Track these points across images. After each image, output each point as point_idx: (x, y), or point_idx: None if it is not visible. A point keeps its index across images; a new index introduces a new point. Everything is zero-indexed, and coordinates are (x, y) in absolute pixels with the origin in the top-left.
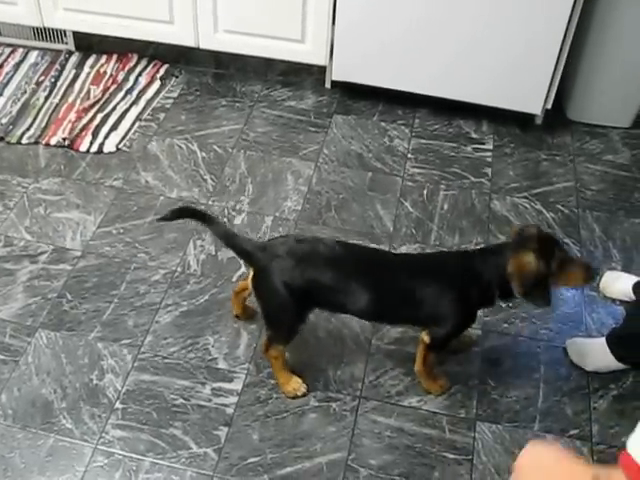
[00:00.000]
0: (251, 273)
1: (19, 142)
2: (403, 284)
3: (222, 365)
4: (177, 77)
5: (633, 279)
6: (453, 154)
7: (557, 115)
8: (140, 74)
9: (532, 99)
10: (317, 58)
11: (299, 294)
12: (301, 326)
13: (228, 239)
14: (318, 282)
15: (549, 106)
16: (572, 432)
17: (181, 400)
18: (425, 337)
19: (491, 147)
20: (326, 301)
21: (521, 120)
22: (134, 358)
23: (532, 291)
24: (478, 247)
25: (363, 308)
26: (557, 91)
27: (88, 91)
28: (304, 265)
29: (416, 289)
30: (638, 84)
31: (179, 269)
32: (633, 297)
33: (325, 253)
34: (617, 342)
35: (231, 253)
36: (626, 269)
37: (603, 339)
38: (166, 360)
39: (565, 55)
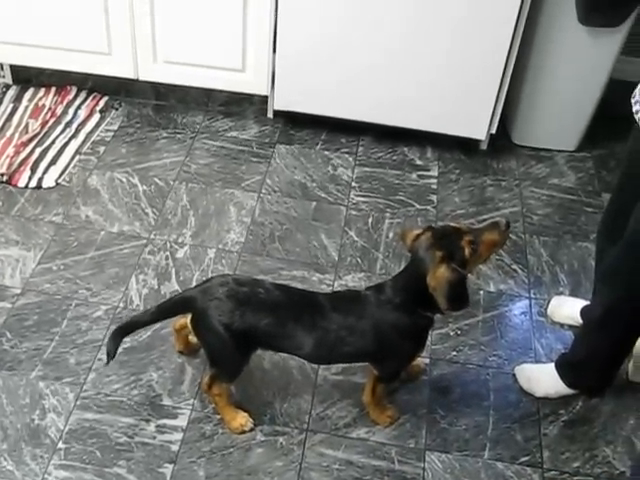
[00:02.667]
0: (190, 314)
1: None
2: (339, 326)
3: (166, 401)
4: (117, 109)
5: (580, 303)
6: (398, 182)
7: (502, 140)
8: (79, 107)
9: (476, 124)
10: (258, 88)
11: (239, 336)
12: (245, 365)
13: (165, 306)
14: (257, 326)
15: (493, 131)
16: (523, 459)
17: (125, 438)
18: (374, 370)
19: (436, 174)
20: (268, 344)
21: (466, 146)
22: (76, 396)
23: (460, 299)
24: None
25: (304, 352)
26: (501, 116)
27: (26, 125)
28: (244, 309)
29: (352, 329)
30: (581, 107)
31: (121, 304)
32: (581, 321)
33: (264, 297)
34: (567, 368)
35: (174, 287)
36: (574, 293)
37: (552, 364)
38: (109, 398)
39: (508, 80)
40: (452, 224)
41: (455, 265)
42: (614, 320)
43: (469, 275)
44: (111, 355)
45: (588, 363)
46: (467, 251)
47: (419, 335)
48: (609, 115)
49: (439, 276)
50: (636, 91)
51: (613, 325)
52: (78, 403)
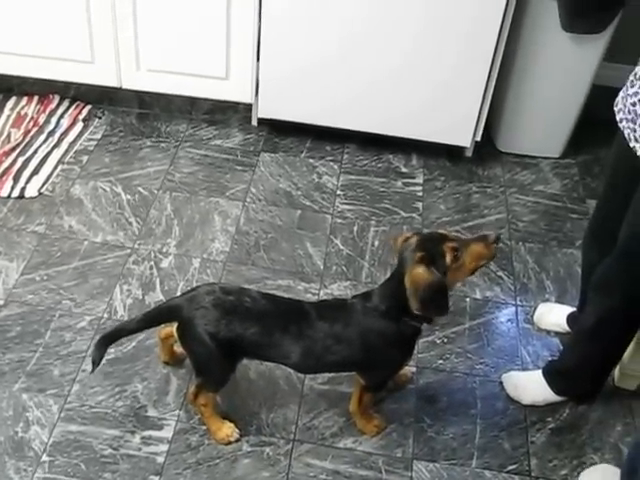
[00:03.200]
0: (175, 323)
1: None
2: (325, 334)
3: (152, 412)
4: (100, 118)
5: (566, 310)
6: (383, 189)
7: (487, 147)
8: (62, 116)
9: (461, 132)
10: (242, 95)
11: (226, 346)
12: (231, 375)
13: (151, 314)
14: (243, 335)
15: (478, 138)
16: (510, 467)
17: (110, 450)
18: (361, 379)
19: (421, 181)
20: (254, 353)
21: (451, 153)
22: (60, 408)
23: (432, 303)
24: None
25: (291, 361)
26: (486, 123)
27: (8, 134)
28: (230, 318)
29: (338, 337)
30: (566, 114)
31: (105, 315)
32: (567, 328)
33: (251, 306)
34: (556, 375)
35: (159, 297)
36: (560, 300)
37: (539, 372)
38: (94, 409)
39: (492, 87)
40: (441, 231)
41: (434, 269)
42: (606, 330)
43: (457, 285)
44: (96, 363)
45: (578, 371)
46: (448, 257)
47: (406, 344)
48: (593, 121)
49: (414, 275)
50: (618, 99)
51: (605, 334)
52: (62, 415)
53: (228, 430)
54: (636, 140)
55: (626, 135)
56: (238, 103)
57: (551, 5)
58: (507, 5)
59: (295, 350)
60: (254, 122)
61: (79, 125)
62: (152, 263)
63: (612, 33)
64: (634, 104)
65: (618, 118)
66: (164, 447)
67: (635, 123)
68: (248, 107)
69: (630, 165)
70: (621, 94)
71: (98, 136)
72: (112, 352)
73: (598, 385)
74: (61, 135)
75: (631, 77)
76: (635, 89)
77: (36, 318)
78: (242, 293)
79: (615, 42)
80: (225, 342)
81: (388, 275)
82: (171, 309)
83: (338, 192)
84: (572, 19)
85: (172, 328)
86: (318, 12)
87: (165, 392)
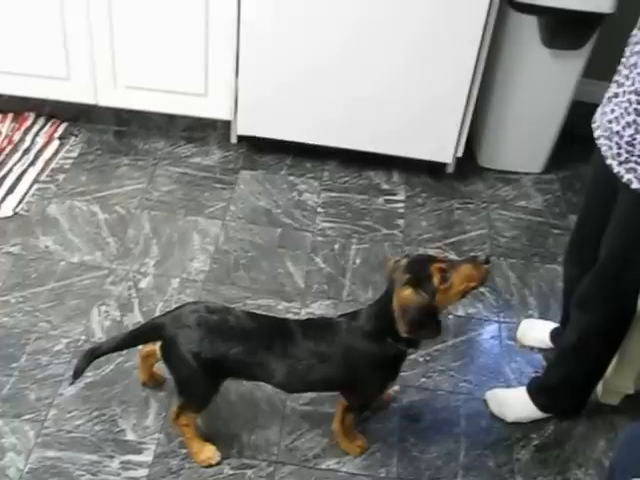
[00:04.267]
0: (159, 342)
1: None
2: (310, 353)
3: (131, 436)
4: (76, 136)
5: (550, 326)
6: (364, 206)
7: (468, 163)
8: (37, 134)
9: (442, 148)
10: (221, 112)
11: (209, 365)
12: (214, 395)
13: (135, 333)
14: (227, 355)
15: (460, 154)
16: None
17: (88, 476)
18: (344, 399)
19: (403, 198)
20: (238, 373)
21: (432, 169)
22: (37, 434)
23: (421, 325)
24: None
25: (276, 380)
26: (467, 138)
27: None
28: (213, 337)
29: (322, 356)
30: (547, 129)
31: (83, 337)
32: (550, 344)
33: (234, 325)
34: (540, 392)
35: (137, 318)
36: (543, 316)
37: (523, 388)
38: (71, 434)
39: (473, 102)
40: (431, 253)
41: (421, 291)
42: (589, 346)
43: (447, 308)
44: (78, 374)
45: (562, 388)
46: (436, 278)
47: (389, 366)
48: (574, 137)
49: (401, 297)
50: (596, 116)
51: (588, 351)
52: (39, 441)
53: (209, 452)
54: (612, 157)
55: (603, 152)
56: (217, 120)
57: (531, 21)
58: (487, 21)
59: (279, 369)
60: (233, 139)
61: (55, 143)
62: (130, 283)
63: (592, 49)
64: (610, 121)
65: (595, 135)
66: (144, 471)
67: (611, 140)
68: (227, 124)
69: (607, 182)
70: (599, 111)
71: (74, 154)
72: (90, 375)
73: (582, 402)
74: (37, 153)
75: (607, 95)
76: (611, 106)
77: (11, 341)
78: (226, 312)
79: (595, 58)
80: (208, 362)
81: (370, 294)
82: (155, 327)
83: (319, 210)
84: (552, 35)
85: (154, 347)
86: (298, 29)
87: (144, 415)
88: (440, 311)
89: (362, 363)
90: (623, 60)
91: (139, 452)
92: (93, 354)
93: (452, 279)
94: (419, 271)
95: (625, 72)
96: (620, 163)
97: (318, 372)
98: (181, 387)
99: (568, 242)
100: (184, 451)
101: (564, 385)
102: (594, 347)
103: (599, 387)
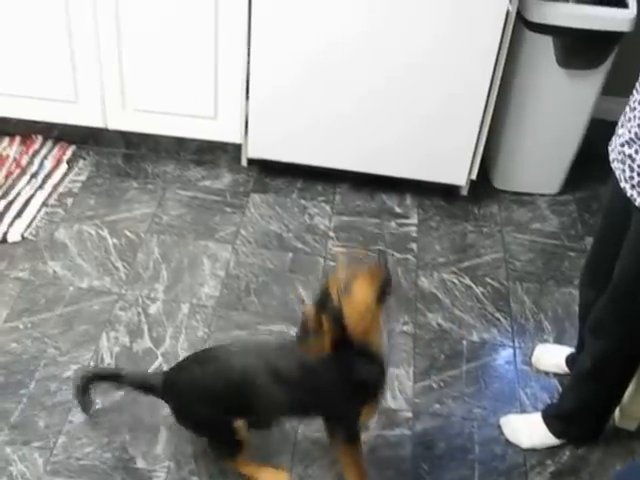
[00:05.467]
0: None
1: None
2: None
3: (140, 464)
4: (85, 159)
5: (565, 351)
6: (377, 230)
7: (483, 185)
8: (45, 157)
9: (456, 170)
10: (232, 135)
11: (216, 419)
12: (237, 438)
13: (135, 379)
14: (230, 406)
15: (474, 176)
16: None
17: None
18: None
19: (416, 221)
20: (244, 414)
21: (446, 192)
22: (46, 461)
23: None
24: None
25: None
26: (482, 160)
27: None
28: (203, 394)
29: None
30: (563, 150)
31: (92, 363)
32: (566, 369)
33: (227, 373)
34: (555, 418)
35: (147, 344)
36: (559, 340)
37: (538, 414)
38: (81, 462)
39: (488, 124)
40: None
41: (329, 314)
42: (604, 371)
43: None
44: (85, 409)
45: (577, 415)
46: (334, 290)
47: (357, 387)
48: (591, 156)
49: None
50: (613, 138)
51: (603, 376)
52: (48, 469)
53: (279, 476)
54: (626, 180)
55: (617, 175)
56: (227, 143)
57: (546, 41)
58: (502, 42)
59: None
60: (244, 162)
61: (63, 166)
62: (140, 309)
63: (610, 66)
64: (622, 145)
65: (610, 158)
66: None
67: (624, 164)
68: (237, 147)
69: (623, 205)
70: (615, 133)
71: (83, 178)
72: (99, 402)
73: (599, 428)
74: (45, 177)
75: (621, 118)
76: (624, 130)
77: (20, 368)
78: (214, 360)
79: (614, 75)
80: (215, 417)
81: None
82: (151, 388)
83: (330, 234)
84: (568, 55)
85: None
86: (308, 51)
87: (154, 443)
88: (359, 322)
89: (328, 387)
90: (637, 84)
91: None
92: (94, 377)
93: (350, 287)
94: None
95: (637, 96)
96: (633, 186)
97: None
98: (207, 442)
99: (584, 265)
100: (194, 479)
101: (580, 412)
102: (609, 372)
103: (616, 412)
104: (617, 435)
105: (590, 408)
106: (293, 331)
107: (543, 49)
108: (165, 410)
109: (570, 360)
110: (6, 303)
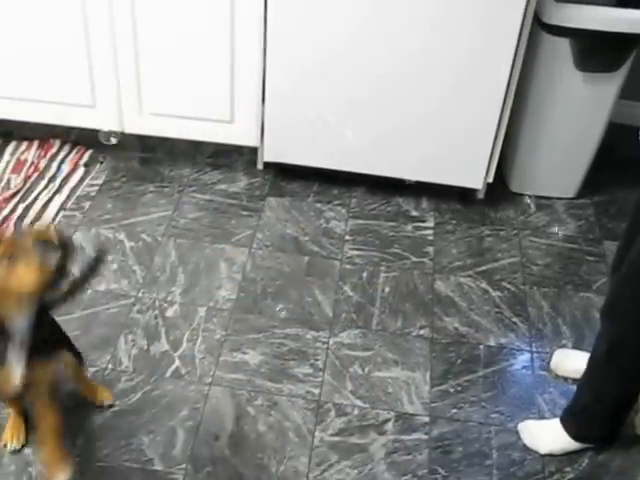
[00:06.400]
0: None
1: None
2: None
3: (158, 466)
4: (102, 163)
5: (584, 356)
6: (393, 234)
7: (499, 188)
8: (63, 161)
9: (472, 173)
10: (248, 139)
11: None
12: None
13: None
14: None
15: (490, 180)
16: None
17: None
18: None
19: (432, 225)
20: None
21: (462, 195)
22: None
23: None
24: None
25: None
26: (498, 163)
27: (8, 180)
28: None
29: None
30: (581, 153)
31: (110, 366)
32: None
33: None
34: (571, 418)
35: (164, 347)
36: (577, 345)
37: (556, 420)
38: (98, 464)
39: (504, 127)
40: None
41: None
42: (620, 355)
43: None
44: None
45: (594, 408)
46: None
47: None
48: (609, 160)
49: None
50: None
51: (619, 360)
52: None
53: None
54: None
55: None
56: (243, 147)
57: (564, 43)
58: (518, 44)
59: None
60: (260, 166)
61: (80, 170)
62: (157, 312)
63: (629, 70)
64: None
65: None
66: None
67: None
68: (253, 150)
69: None
70: None
71: (100, 181)
72: (117, 404)
73: (616, 425)
74: (62, 181)
75: None
76: None
77: None
78: None
79: (632, 79)
80: None
81: (400, 323)
82: None
83: (347, 237)
84: (586, 58)
85: None
86: (325, 54)
87: (172, 445)
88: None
89: None
90: None
91: None
92: None
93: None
94: None
95: None
96: None
97: None
98: None
99: (615, 251)
100: None
101: (595, 406)
102: (625, 357)
103: (636, 419)
104: (637, 442)
105: (607, 401)
106: (310, 335)
107: (560, 52)
108: (183, 412)
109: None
110: None
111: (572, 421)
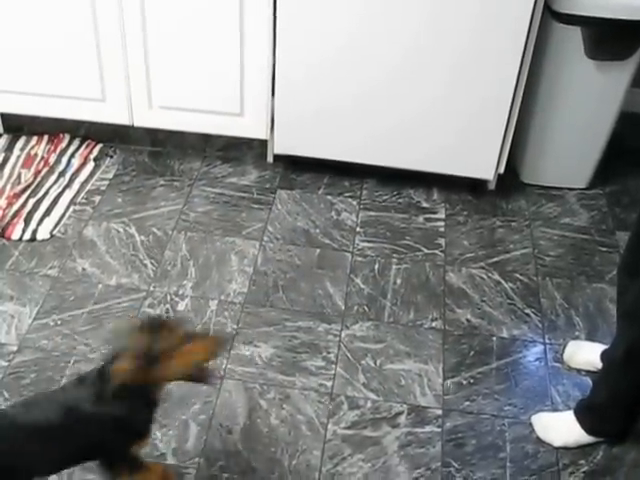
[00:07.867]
0: None
1: None
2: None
3: (171, 460)
4: (112, 157)
5: (598, 348)
6: (404, 225)
7: (510, 179)
8: (73, 155)
9: (483, 164)
10: (258, 132)
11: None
12: None
13: None
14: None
15: (501, 170)
16: None
17: None
18: None
19: (443, 216)
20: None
21: (473, 186)
22: None
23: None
24: None
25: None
26: (509, 154)
27: (19, 175)
28: None
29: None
30: (592, 143)
31: None
32: (600, 367)
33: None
34: (586, 412)
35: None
36: (590, 337)
37: (570, 412)
38: None
39: (515, 118)
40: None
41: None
42: (638, 357)
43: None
44: None
45: (609, 406)
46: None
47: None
48: (622, 149)
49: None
50: None
51: (636, 364)
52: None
53: None
54: None
55: None
56: (253, 139)
57: (574, 32)
58: (529, 34)
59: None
60: (270, 159)
61: (90, 164)
62: (168, 306)
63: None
64: None
65: None
66: None
67: None
68: (263, 143)
69: None
70: None
71: (110, 175)
72: None
73: (630, 422)
74: (72, 175)
75: None
76: None
77: (50, 364)
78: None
79: None
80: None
81: (412, 315)
82: None
83: (358, 229)
84: (596, 46)
85: None
86: (335, 46)
87: (184, 439)
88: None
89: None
90: None
91: (180, 477)
92: None
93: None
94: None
95: None
96: None
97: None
98: None
99: (622, 254)
100: (225, 475)
101: (611, 403)
102: None
103: None
104: None
105: (622, 399)
106: (322, 327)
107: (571, 40)
108: (195, 406)
109: (604, 356)
110: (36, 300)
111: (587, 416)
